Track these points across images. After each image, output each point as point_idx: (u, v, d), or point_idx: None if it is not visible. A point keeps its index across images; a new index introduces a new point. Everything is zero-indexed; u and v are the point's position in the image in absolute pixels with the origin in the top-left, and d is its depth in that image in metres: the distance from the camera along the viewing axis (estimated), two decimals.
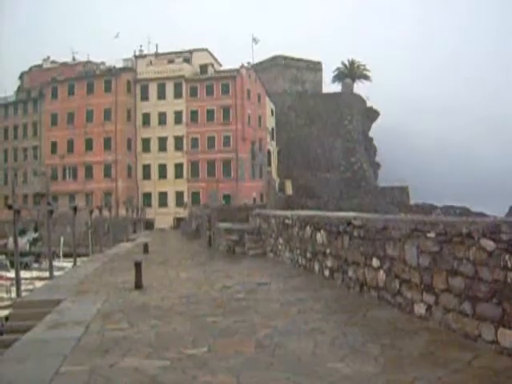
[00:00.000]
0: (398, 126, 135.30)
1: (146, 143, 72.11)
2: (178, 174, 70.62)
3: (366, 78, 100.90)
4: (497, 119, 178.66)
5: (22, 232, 55.18)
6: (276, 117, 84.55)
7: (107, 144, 70.50)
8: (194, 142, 70.27)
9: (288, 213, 17.44)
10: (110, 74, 72.97)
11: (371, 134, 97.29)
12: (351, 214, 12.51)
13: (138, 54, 75.57)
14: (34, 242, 59.74)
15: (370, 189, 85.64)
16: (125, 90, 71.59)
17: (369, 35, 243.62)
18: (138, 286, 12.23)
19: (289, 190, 79.90)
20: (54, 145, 73.14)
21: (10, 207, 14.65)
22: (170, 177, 70.83)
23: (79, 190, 68.86)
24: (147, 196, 70.86)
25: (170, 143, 71.17)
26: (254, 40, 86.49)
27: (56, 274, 19.86)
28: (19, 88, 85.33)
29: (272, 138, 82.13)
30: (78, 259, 22.39)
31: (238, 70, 70.91)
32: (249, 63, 77.67)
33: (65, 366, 6.16)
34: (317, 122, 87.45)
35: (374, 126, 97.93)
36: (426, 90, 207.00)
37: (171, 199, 70.27)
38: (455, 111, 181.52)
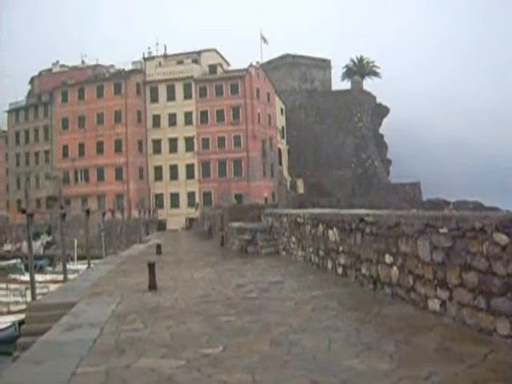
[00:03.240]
0: (408, 121, 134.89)
1: (156, 145, 72.32)
2: (189, 174, 70.74)
3: (375, 74, 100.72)
4: (497, 110, 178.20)
5: (36, 235, 55.54)
6: (286, 115, 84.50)
7: (118, 146, 70.84)
8: (205, 143, 70.38)
9: (300, 211, 17.45)
10: (120, 77, 73.33)
11: (382, 130, 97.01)
12: (363, 210, 12.49)
13: (146, 55, 75.93)
14: (47, 245, 60.12)
15: (382, 185, 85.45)
16: (134, 92, 71.89)
17: (376, 31, 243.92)
18: (152, 286, 12.26)
19: (300, 189, 79.85)
20: (65, 148, 73.59)
21: (23, 211, 14.74)
22: (181, 178, 70.99)
23: (91, 192, 69.19)
24: (159, 197, 71.05)
25: (181, 144, 71.32)
26: (264, 39, 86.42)
27: (70, 276, 19.98)
28: (30, 92, 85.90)
29: (282, 137, 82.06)
30: (91, 261, 22.47)
31: (246, 70, 71.00)
32: (257, 62, 77.65)
33: (81, 368, 6.20)
34: (327, 119, 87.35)
35: (384, 122, 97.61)
36: (435, 85, 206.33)
37: (183, 200, 70.43)
38: (460, 102, 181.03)
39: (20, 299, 27.19)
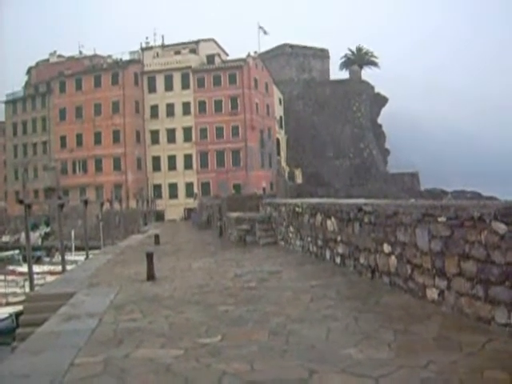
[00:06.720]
0: (407, 110, 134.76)
1: (154, 135, 72.09)
2: (188, 165, 70.58)
3: (374, 64, 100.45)
4: (492, 98, 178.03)
5: (34, 226, 55.55)
6: (284, 105, 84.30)
7: (116, 137, 70.56)
8: (203, 133, 70.19)
9: (298, 201, 17.43)
10: (117, 67, 72.88)
11: (380, 119, 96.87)
12: (361, 200, 12.48)
13: (144, 46, 75.45)
14: (45, 236, 60.13)
15: (380, 175, 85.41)
16: (132, 82, 71.53)
17: (373, 19, 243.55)
18: (150, 277, 12.27)
19: (298, 179, 79.79)
20: (63, 139, 73.25)
21: (21, 202, 14.75)
22: (179, 168, 70.82)
23: (89, 183, 69.01)
24: (157, 188, 70.91)
25: (179, 134, 71.12)
26: (263, 31, 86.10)
27: (68, 267, 20.00)
28: (27, 83, 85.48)
29: (280, 127, 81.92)
30: (90, 252, 22.49)
31: (244, 60, 70.67)
32: (255, 52, 77.37)
33: (79, 358, 6.20)
34: (325, 109, 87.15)
35: (382, 111, 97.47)
36: (433, 76, 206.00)
37: (181, 190, 70.34)
38: (456, 92, 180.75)
39: (18, 290, 27.17)
